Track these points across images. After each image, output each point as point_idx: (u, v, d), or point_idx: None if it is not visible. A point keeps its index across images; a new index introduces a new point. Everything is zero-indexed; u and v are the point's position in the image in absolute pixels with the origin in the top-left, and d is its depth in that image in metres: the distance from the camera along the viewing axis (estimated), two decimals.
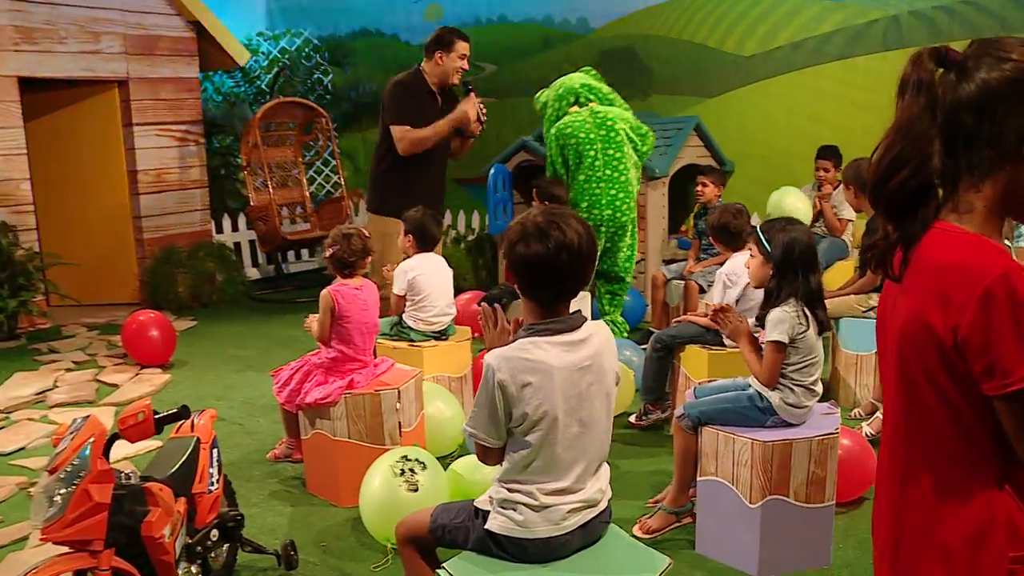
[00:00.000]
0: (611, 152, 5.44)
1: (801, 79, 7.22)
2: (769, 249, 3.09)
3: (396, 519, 3.09)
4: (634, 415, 4.44)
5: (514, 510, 2.14)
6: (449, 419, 4.05)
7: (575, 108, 5.56)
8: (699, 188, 5.94)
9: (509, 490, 2.15)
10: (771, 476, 2.98)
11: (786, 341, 3.01)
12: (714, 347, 4.16)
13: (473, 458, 3.47)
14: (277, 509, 3.67)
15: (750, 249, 3.23)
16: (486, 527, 2.17)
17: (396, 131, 4.80)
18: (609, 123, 5.41)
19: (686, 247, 6.99)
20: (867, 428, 4.09)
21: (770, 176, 7.15)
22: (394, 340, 4.43)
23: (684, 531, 3.29)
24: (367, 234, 3.79)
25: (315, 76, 10.34)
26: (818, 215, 6.31)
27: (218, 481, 2.89)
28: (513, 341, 2.13)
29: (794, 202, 6.17)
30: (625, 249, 5.65)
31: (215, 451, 2.91)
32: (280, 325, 7.08)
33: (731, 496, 3.06)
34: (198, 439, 2.87)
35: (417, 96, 4.85)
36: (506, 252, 2.15)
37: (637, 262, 6.77)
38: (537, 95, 6.10)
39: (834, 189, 6.27)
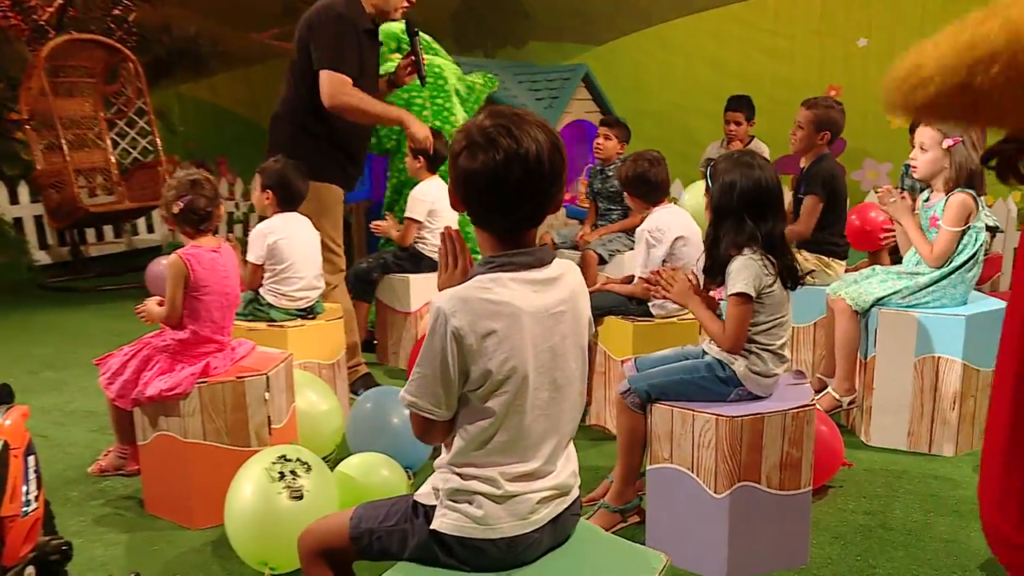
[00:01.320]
0: (440, 102, 5.46)
1: (700, 23, 7.26)
2: (709, 187, 2.94)
3: (276, 536, 2.79)
4: None
5: (469, 503, 1.87)
6: (324, 413, 3.73)
7: (396, 55, 5.51)
8: (599, 142, 5.82)
9: (462, 476, 1.88)
10: (740, 459, 2.83)
11: (753, 294, 2.87)
12: (639, 318, 4.01)
13: (365, 458, 3.20)
14: (108, 538, 3.21)
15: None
16: (432, 527, 1.90)
17: (331, 80, 4.10)
18: (436, 70, 5.47)
19: (577, 215, 6.89)
20: (818, 405, 4.05)
21: (667, 135, 7.15)
22: (248, 320, 4.05)
23: (631, 532, 3.10)
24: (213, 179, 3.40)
25: (114, 12, 9.53)
26: None
27: (37, 500, 2.44)
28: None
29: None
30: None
31: (31, 459, 2.46)
32: (80, 317, 6.53)
33: (691, 486, 2.89)
34: (5, 443, 2.41)
35: (356, 35, 4.21)
36: (449, 167, 1.87)
37: None
38: None
39: (746, 145, 6.31)
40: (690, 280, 3.08)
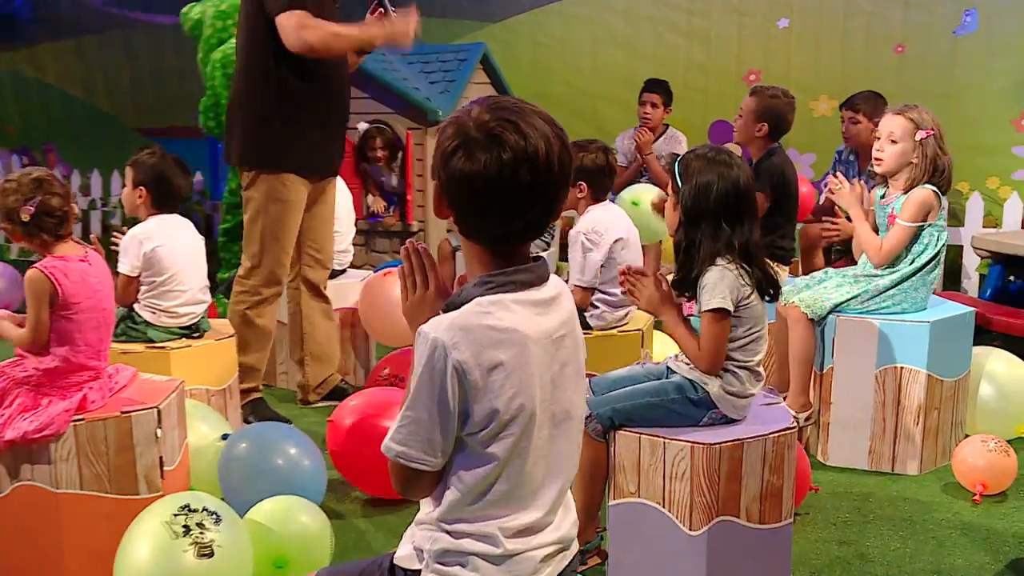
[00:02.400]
0: None
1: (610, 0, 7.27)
2: (680, 186, 2.88)
3: None
4: None
5: (462, 565, 1.76)
6: (220, 450, 3.50)
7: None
8: None
9: (453, 534, 1.77)
10: (718, 491, 2.78)
11: (731, 308, 2.82)
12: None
13: (278, 503, 3.01)
14: None
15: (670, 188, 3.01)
16: None
17: (290, 20, 3.85)
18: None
19: None
20: None
21: (573, 123, 7.09)
22: (122, 341, 3.78)
23: (591, 575, 3.02)
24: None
25: None
26: (639, 170, 6.32)
27: None
28: (452, 306, 1.72)
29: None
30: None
31: None
32: None
33: (661, 522, 2.83)
34: None
35: None
36: (436, 167, 1.74)
37: (416, 231, 6.45)
38: (184, 10, 5.62)
39: (660, 135, 6.33)
40: (662, 286, 2.99)
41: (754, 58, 6.93)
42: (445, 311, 1.74)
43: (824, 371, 3.96)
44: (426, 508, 1.81)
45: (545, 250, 5.77)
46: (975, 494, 3.58)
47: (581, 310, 3.94)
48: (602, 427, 2.90)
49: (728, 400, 2.89)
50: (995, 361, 4.14)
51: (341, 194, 5.03)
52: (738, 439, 2.81)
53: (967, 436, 3.98)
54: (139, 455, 3.06)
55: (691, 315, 2.96)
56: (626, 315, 4.03)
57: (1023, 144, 6.37)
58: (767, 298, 2.93)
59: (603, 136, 7.06)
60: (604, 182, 4.02)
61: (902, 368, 3.82)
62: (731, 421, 2.92)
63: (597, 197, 4.01)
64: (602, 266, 3.91)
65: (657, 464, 2.83)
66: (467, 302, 1.72)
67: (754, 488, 2.83)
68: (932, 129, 3.84)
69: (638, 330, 4.03)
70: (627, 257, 3.95)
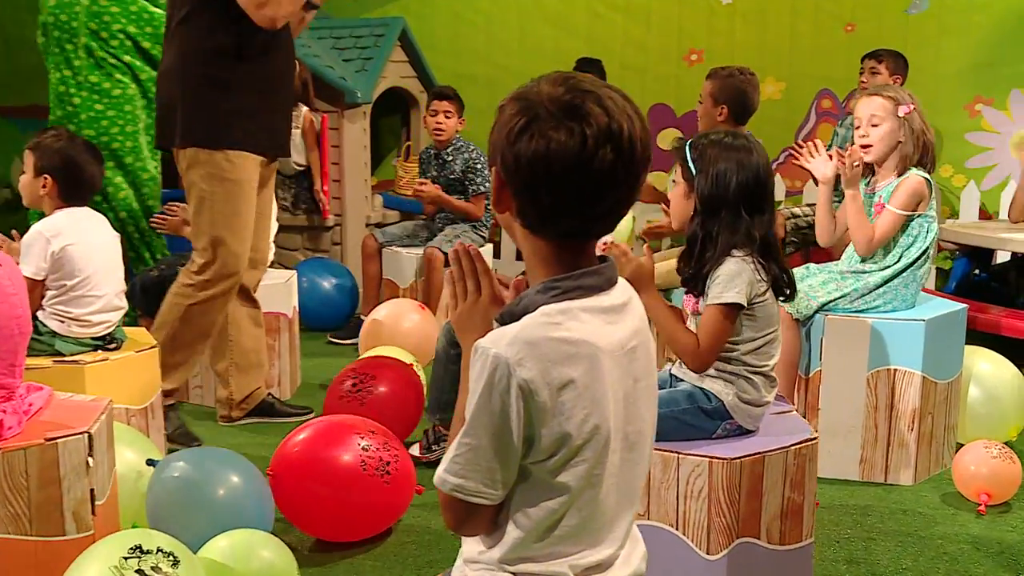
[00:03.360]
0: (104, 38, 5.04)
1: None
2: (695, 173, 2.83)
3: None
4: (417, 445, 3.99)
5: None
6: (146, 479, 3.30)
7: None
8: (438, 120, 5.59)
9: None
10: (739, 510, 2.73)
11: (745, 304, 2.77)
12: None
13: (236, 538, 2.85)
14: None
15: (673, 174, 2.95)
16: None
17: None
18: (101, 5, 5.02)
19: (396, 205, 6.65)
20: None
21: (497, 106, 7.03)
22: (29, 355, 3.52)
23: None
24: None
25: None
26: None
27: None
28: (511, 316, 1.64)
29: None
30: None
31: None
32: None
33: (676, 547, 2.77)
34: None
35: None
36: (498, 150, 1.64)
37: (332, 226, 6.28)
38: None
39: None
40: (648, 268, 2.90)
41: (696, 36, 6.96)
42: (501, 322, 1.67)
43: (810, 375, 3.95)
44: (478, 546, 1.73)
45: (481, 245, 5.67)
46: (979, 504, 3.61)
47: None
48: None
49: (743, 409, 2.84)
50: (981, 360, 4.19)
51: None
52: (758, 452, 2.76)
53: (959, 442, 4.03)
54: (66, 489, 2.84)
55: (697, 312, 2.89)
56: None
57: (977, 130, 6.53)
58: (782, 298, 2.90)
59: None
60: None
61: (896, 370, 3.83)
62: (745, 432, 2.88)
63: None
64: None
65: (670, 482, 2.77)
66: (530, 311, 1.63)
67: (775, 506, 2.79)
68: (913, 103, 3.87)
69: None
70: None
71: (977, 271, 5.71)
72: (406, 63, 6.86)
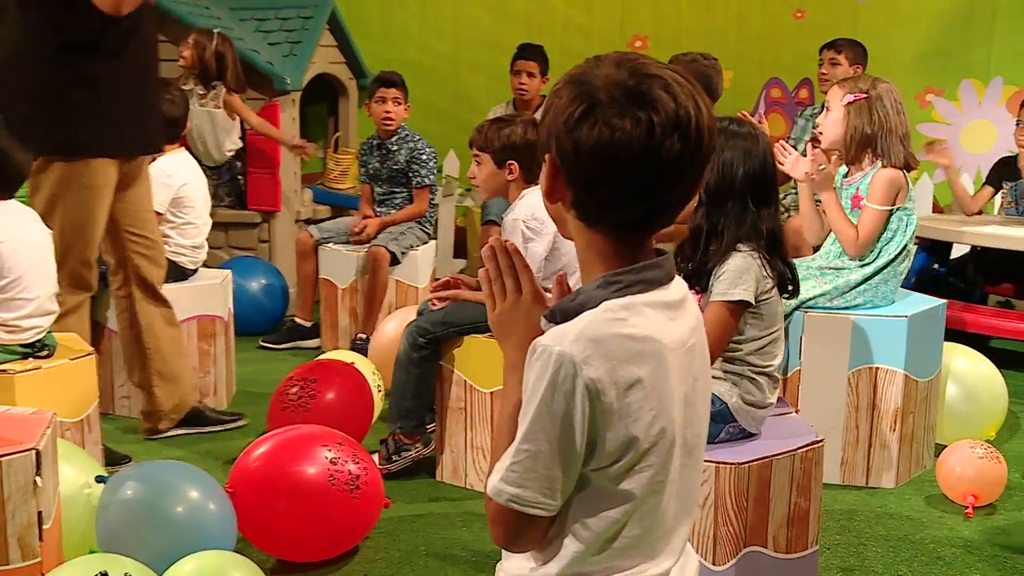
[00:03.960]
0: None
1: None
2: None
3: None
4: (376, 454, 3.91)
5: None
6: (90, 498, 3.17)
7: None
8: (387, 108, 5.49)
9: None
10: (746, 517, 2.72)
11: (753, 302, 2.77)
12: None
13: (204, 561, 2.75)
14: None
15: None
16: None
17: None
18: None
19: (327, 200, 6.53)
20: None
21: (431, 94, 6.98)
22: None
23: None
24: None
25: None
26: None
27: None
28: (566, 313, 1.60)
29: None
30: None
31: None
32: None
33: None
34: None
35: None
36: (553, 138, 1.59)
37: (259, 223, 6.14)
38: None
39: (537, 108, 6.24)
40: None
41: (640, 21, 6.97)
42: (552, 320, 1.62)
43: (789, 375, 3.96)
44: (527, 562, 1.69)
45: (425, 242, 5.60)
46: (967, 507, 3.65)
47: None
48: None
49: (747, 412, 2.84)
50: (958, 357, 4.25)
51: (194, 175, 4.70)
52: (765, 457, 2.75)
53: (938, 443, 4.09)
54: (11, 513, 2.71)
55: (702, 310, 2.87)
56: None
57: (928, 121, 6.65)
58: (785, 295, 2.90)
59: (469, 108, 7.01)
60: (537, 161, 3.85)
61: (878, 368, 3.86)
62: (747, 436, 2.87)
63: (529, 179, 3.86)
64: (545, 259, 3.78)
65: None
66: (588, 307, 1.59)
67: (781, 512, 2.80)
68: (865, 93, 3.91)
69: None
70: (569, 248, 3.83)
71: (936, 265, 5.81)
72: (335, 48, 6.74)
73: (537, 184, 3.87)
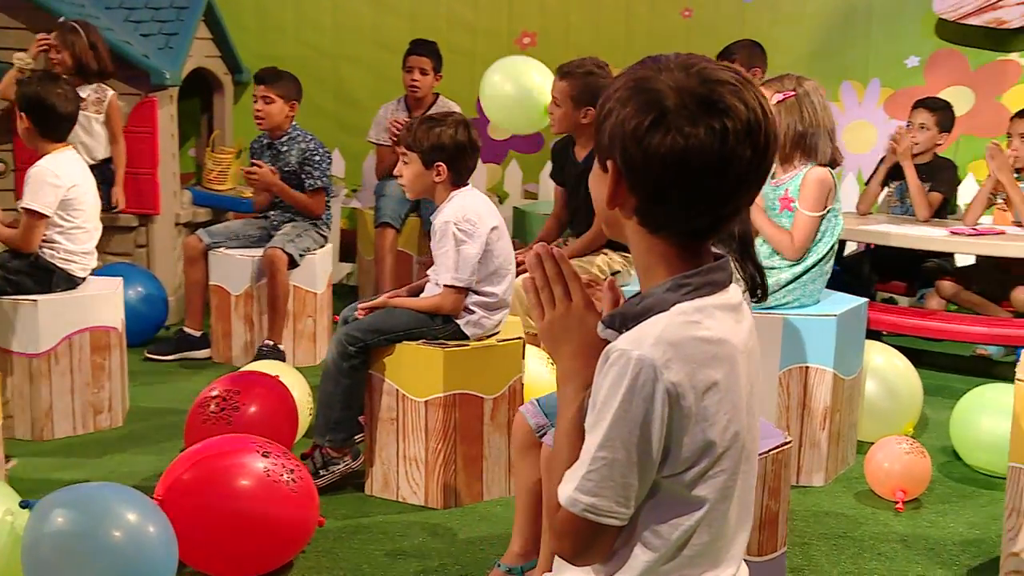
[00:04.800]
0: None
1: None
2: None
3: None
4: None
5: None
6: (13, 527, 3.03)
7: None
8: (259, 107, 5.39)
9: None
10: None
11: None
12: (448, 341, 3.77)
13: None
14: None
15: None
16: None
17: None
18: None
19: (206, 202, 6.36)
20: None
21: (314, 91, 6.79)
22: None
23: None
24: None
25: None
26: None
27: None
28: (627, 318, 1.65)
29: None
30: None
31: None
32: None
33: None
34: None
35: None
36: (618, 146, 1.60)
37: (135, 227, 5.93)
38: None
39: (430, 106, 6.22)
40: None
41: (528, 17, 7.01)
42: (612, 325, 1.67)
43: None
44: (592, 574, 1.71)
45: (322, 245, 5.52)
46: (896, 502, 3.80)
47: (453, 317, 3.78)
48: None
49: None
50: (875, 355, 4.42)
51: (84, 176, 4.51)
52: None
53: (859, 440, 4.24)
54: None
55: None
56: (500, 320, 3.91)
57: None
58: (755, 299, 2.96)
59: (351, 106, 6.94)
60: (466, 163, 3.86)
61: (808, 368, 3.98)
62: None
63: (457, 181, 3.84)
64: (479, 261, 3.77)
65: None
66: (656, 311, 1.62)
67: (754, 516, 2.82)
68: (793, 91, 4.03)
69: (519, 338, 3.93)
70: (504, 249, 3.85)
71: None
72: (210, 41, 6.56)
73: (466, 186, 3.87)
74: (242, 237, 5.46)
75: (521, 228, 6.42)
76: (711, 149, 1.56)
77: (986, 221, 5.77)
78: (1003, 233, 5.46)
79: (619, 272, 4.70)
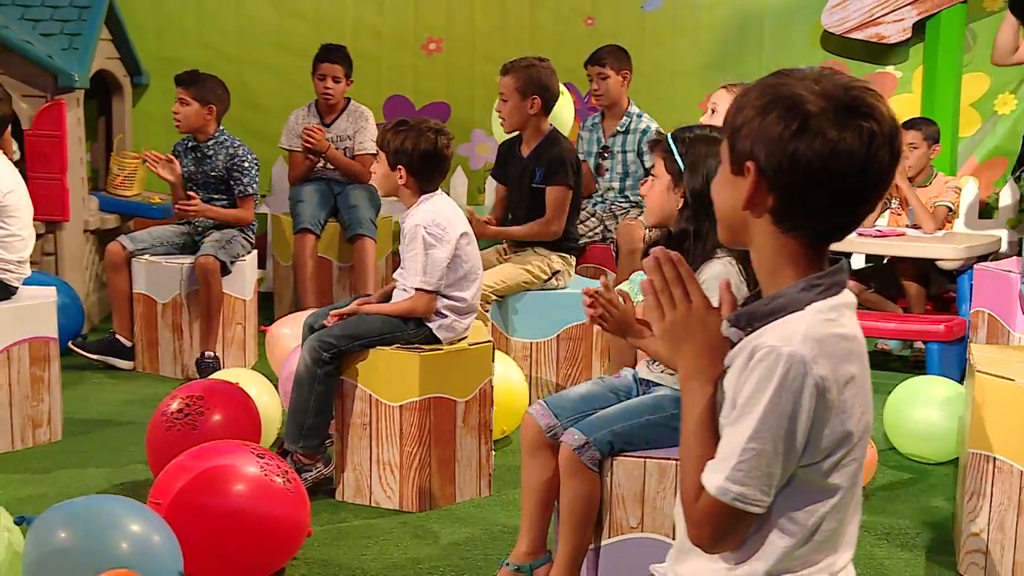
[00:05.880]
0: None
1: None
2: (683, 168, 2.96)
3: None
4: None
5: None
6: (10, 542, 2.96)
7: None
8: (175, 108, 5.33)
9: None
10: None
11: None
12: (422, 345, 3.82)
13: None
14: None
15: (653, 167, 3.06)
16: None
17: None
18: None
19: (113, 208, 6.21)
20: None
21: None
22: None
23: None
24: None
25: None
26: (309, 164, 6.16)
27: None
28: (755, 317, 1.75)
29: None
30: None
31: None
32: None
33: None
34: None
35: None
36: (758, 147, 1.70)
37: (42, 234, 5.75)
38: None
39: (342, 111, 6.20)
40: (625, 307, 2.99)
41: (434, 23, 7.05)
42: (737, 324, 1.77)
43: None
44: (719, 562, 1.80)
45: (249, 251, 5.46)
46: None
47: (425, 320, 3.82)
48: (600, 455, 2.89)
49: None
50: None
51: (18, 182, 4.38)
52: None
53: None
54: None
55: None
56: (470, 324, 3.97)
57: None
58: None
59: (256, 111, 6.88)
60: (431, 171, 3.89)
61: None
62: None
63: (424, 188, 3.89)
64: (448, 266, 3.82)
65: (666, 491, 2.91)
66: (790, 310, 1.72)
67: None
68: None
69: (488, 342, 4.00)
70: (472, 255, 3.92)
71: None
72: (110, 42, 6.40)
73: (435, 191, 3.92)
74: (166, 244, 5.37)
75: None
76: (856, 152, 1.67)
77: (880, 224, 6.09)
78: (904, 235, 5.76)
79: (559, 272, 4.80)
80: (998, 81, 6.97)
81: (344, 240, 6.00)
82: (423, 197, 3.88)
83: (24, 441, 4.32)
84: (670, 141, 3.00)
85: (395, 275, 3.98)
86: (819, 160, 1.67)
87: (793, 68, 1.77)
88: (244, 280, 5.36)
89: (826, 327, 1.69)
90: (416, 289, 3.80)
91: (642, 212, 5.89)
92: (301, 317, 4.28)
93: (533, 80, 4.82)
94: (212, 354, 5.07)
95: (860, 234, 5.64)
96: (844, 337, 1.71)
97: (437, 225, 3.81)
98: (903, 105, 7.02)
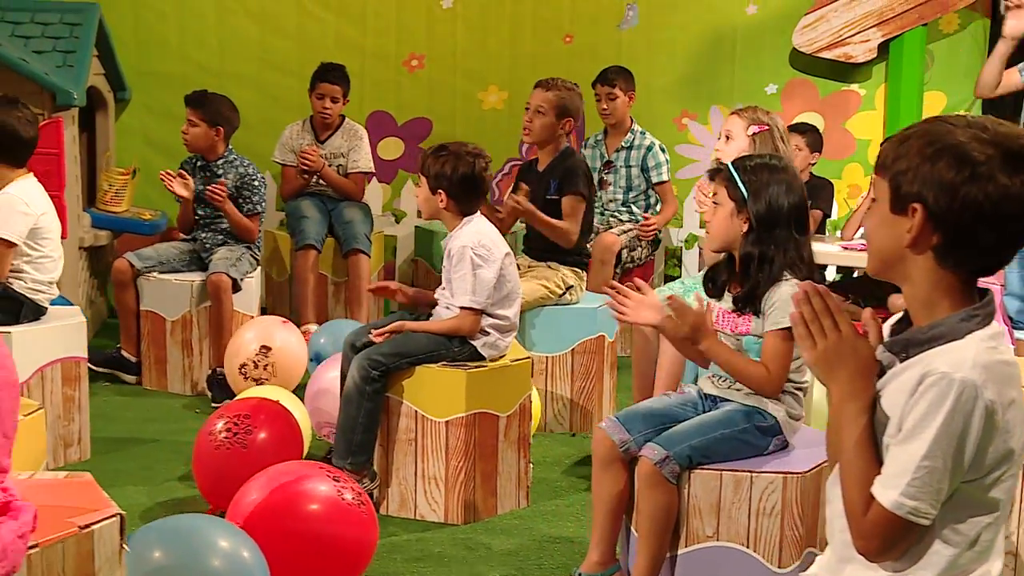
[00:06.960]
0: None
1: None
2: (747, 195, 3.13)
3: None
4: None
5: None
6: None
7: None
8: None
9: None
10: (807, 521, 3.08)
11: None
12: (468, 363, 3.94)
13: None
14: None
15: (715, 193, 3.22)
16: None
17: None
18: None
19: (105, 224, 6.21)
20: None
21: None
22: None
23: None
24: None
25: None
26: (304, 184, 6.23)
27: None
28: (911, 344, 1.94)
29: None
30: None
31: None
32: None
33: (746, 565, 3.08)
34: None
35: None
36: (928, 190, 1.86)
37: None
38: None
39: (336, 129, 6.28)
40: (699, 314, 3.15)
41: (415, 40, 7.15)
42: (892, 350, 1.95)
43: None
44: (878, 571, 1.96)
45: (254, 269, 5.52)
46: None
47: (469, 339, 3.95)
48: (679, 468, 3.04)
49: (792, 425, 3.20)
50: None
51: (49, 205, 4.41)
52: (817, 465, 3.12)
53: None
54: None
55: (747, 334, 3.18)
56: (510, 342, 4.10)
57: (685, 143, 7.34)
58: None
59: (242, 127, 6.88)
60: (471, 195, 4.02)
61: None
62: (786, 447, 3.22)
63: (464, 211, 4.02)
64: (493, 286, 3.95)
65: (742, 502, 3.05)
66: (951, 338, 1.89)
67: (821, 515, 3.15)
68: (767, 125, 4.40)
69: (527, 358, 4.13)
70: (514, 275, 4.05)
71: None
72: (96, 58, 6.38)
73: (475, 214, 4.05)
74: (173, 261, 5.41)
75: (425, 247, 6.59)
76: (1017, 197, 1.84)
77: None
78: None
79: (572, 287, 4.94)
80: (954, 99, 7.30)
81: (339, 255, 6.08)
82: (465, 219, 4.01)
83: (56, 461, 4.33)
84: (732, 170, 3.18)
85: (436, 294, 4.09)
86: (990, 204, 1.84)
87: (947, 115, 1.95)
88: (250, 296, 5.43)
89: (991, 354, 1.87)
90: (463, 308, 3.92)
91: (637, 224, 6.10)
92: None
93: (573, 104, 5.00)
94: (223, 370, 5.14)
95: (845, 247, 5.89)
96: (1006, 363, 1.89)
97: (483, 246, 3.94)
98: (867, 121, 7.34)
